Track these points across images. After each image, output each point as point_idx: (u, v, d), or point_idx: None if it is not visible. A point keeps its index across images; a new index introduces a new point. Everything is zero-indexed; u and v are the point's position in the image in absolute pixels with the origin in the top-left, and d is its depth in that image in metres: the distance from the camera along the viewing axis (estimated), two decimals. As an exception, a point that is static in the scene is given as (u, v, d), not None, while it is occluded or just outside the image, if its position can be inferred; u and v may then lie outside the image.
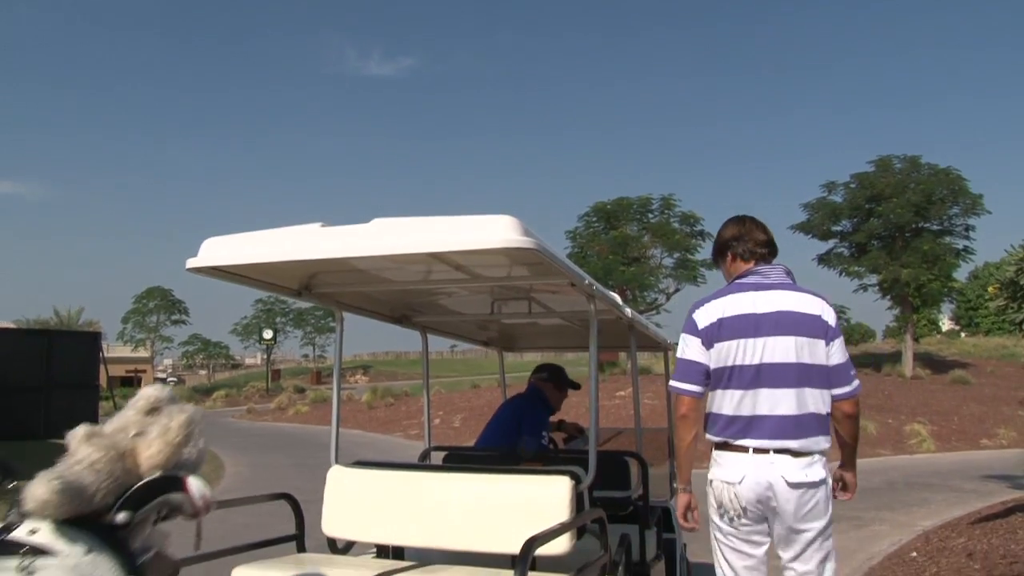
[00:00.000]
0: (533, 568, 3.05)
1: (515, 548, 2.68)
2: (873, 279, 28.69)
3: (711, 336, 3.23)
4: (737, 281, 3.33)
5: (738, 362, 3.18)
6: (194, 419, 2.06)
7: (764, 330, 3.16)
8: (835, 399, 3.22)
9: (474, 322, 5.17)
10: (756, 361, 3.16)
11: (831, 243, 29.99)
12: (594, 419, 3.39)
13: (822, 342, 3.18)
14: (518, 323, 5.28)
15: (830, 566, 3.21)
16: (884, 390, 24.06)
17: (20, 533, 1.77)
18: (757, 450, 3.13)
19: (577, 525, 3.04)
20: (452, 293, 4.14)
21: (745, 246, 3.37)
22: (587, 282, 3.23)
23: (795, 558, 3.18)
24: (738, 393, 3.18)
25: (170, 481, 1.96)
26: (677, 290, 31.18)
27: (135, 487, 1.91)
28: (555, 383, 4.92)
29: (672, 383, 3.34)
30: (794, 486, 3.08)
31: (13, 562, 1.72)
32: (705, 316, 3.27)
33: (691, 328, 3.30)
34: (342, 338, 4.06)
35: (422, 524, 3.00)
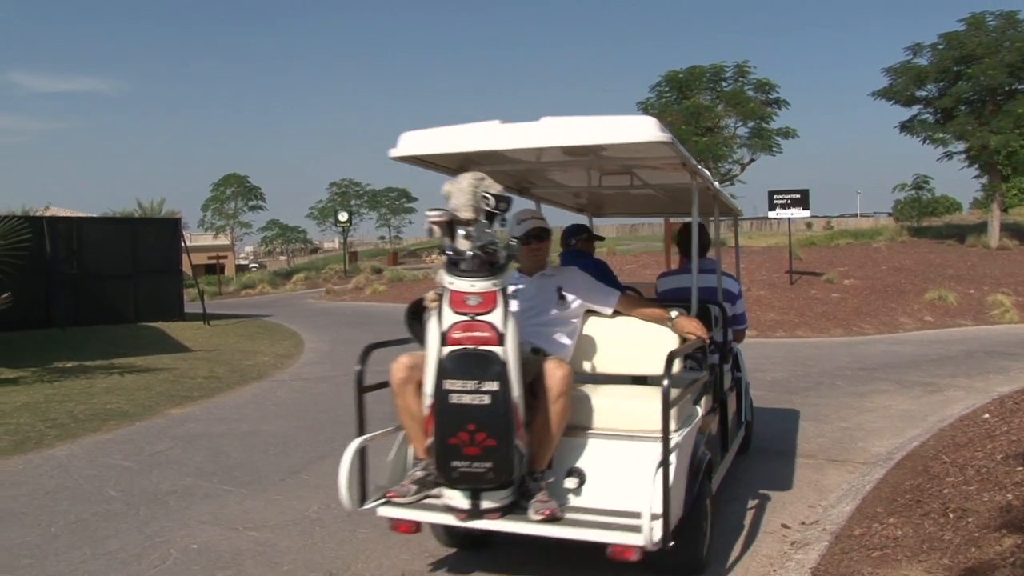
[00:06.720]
0: (646, 383, 4.14)
1: (637, 370, 4.14)
2: (959, 147, 27.25)
3: None
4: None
5: None
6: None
7: None
8: None
9: (574, 191, 6.07)
10: None
11: (914, 109, 28.36)
12: (694, 271, 4.44)
13: None
14: (610, 193, 6.03)
15: None
16: (967, 261, 23.35)
17: None
18: None
19: (691, 348, 4.07)
20: (567, 170, 4.99)
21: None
22: (693, 163, 4.11)
23: None
24: None
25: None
26: (752, 160, 30.06)
27: None
28: (590, 240, 5.78)
29: None
30: None
31: None
32: None
33: None
34: None
35: None
